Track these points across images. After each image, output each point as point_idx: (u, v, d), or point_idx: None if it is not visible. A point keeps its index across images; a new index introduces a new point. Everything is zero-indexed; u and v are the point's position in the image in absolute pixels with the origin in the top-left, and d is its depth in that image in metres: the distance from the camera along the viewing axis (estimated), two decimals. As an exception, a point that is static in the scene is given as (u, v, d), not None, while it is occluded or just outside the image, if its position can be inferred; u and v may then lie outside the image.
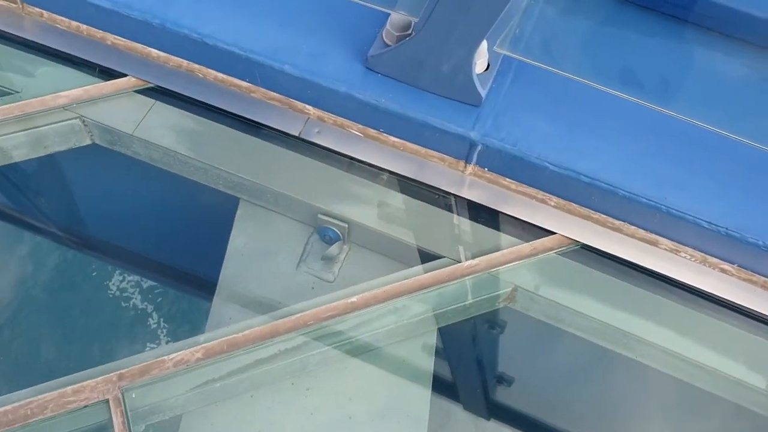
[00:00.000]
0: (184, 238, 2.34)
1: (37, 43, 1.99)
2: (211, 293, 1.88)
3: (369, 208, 1.83)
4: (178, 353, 1.56)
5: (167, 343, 2.41)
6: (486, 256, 1.74)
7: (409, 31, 1.77)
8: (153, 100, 1.93)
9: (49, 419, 1.50)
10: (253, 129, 1.92)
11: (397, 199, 1.84)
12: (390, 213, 1.83)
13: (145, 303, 2.44)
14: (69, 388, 1.51)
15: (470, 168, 1.81)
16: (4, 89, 1.92)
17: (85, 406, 1.50)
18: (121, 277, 2.51)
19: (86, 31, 1.97)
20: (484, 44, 1.72)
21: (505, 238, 1.80)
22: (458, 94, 1.75)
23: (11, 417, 1.48)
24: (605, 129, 1.77)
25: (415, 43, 1.70)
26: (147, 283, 2.39)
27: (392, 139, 1.84)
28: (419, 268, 1.76)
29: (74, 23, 1.98)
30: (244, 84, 1.91)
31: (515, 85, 1.81)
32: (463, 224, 1.82)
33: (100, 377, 1.53)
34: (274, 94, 1.90)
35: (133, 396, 1.52)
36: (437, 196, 1.85)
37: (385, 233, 1.81)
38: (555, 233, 1.79)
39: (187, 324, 2.33)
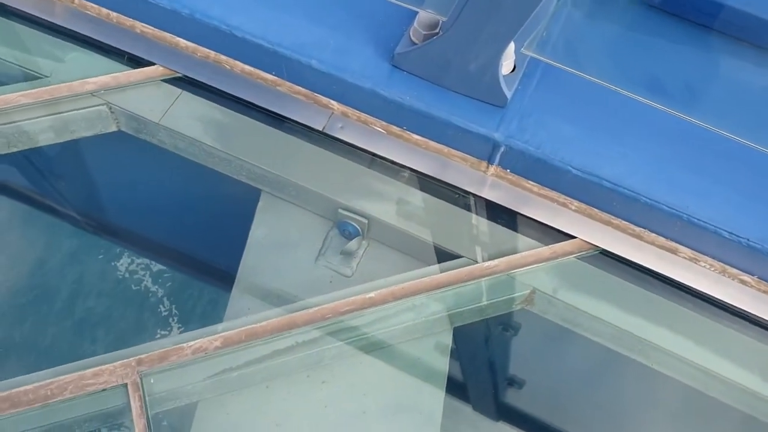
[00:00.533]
0: (204, 227, 2.36)
1: (67, 28, 2.01)
2: (230, 283, 1.89)
3: (389, 204, 1.84)
4: (197, 341, 1.57)
5: (179, 330, 2.43)
6: (505, 257, 1.75)
7: (437, 30, 1.77)
8: (180, 90, 1.94)
9: (68, 400, 1.51)
10: (277, 122, 1.93)
11: (418, 197, 1.85)
12: (410, 211, 1.84)
13: (161, 289, 2.46)
14: (88, 371, 1.53)
15: (492, 169, 1.82)
16: (34, 73, 1.95)
17: (104, 389, 1.52)
18: (136, 263, 2.53)
19: (116, 18, 1.99)
20: (512, 46, 1.72)
21: (524, 240, 1.81)
22: (484, 94, 1.75)
23: (31, 397, 1.50)
24: (629, 135, 1.77)
25: (442, 43, 1.70)
26: (167, 272, 2.40)
27: (415, 137, 1.85)
28: (438, 266, 1.77)
29: (104, 10, 1.99)
30: (270, 77, 1.92)
31: (541, 88, 1.81)
32: (484, 225, 1.82)
33: (119, 361, 1.55)
34: (300, 88, 1.91)
35: (151, 381, 1.54)
36: (458, 196, 1.85)
37: (404, 230, 1.82)
38: (575, 237, 1.79)
39: (202, 312, 2.34)
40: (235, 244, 1.95)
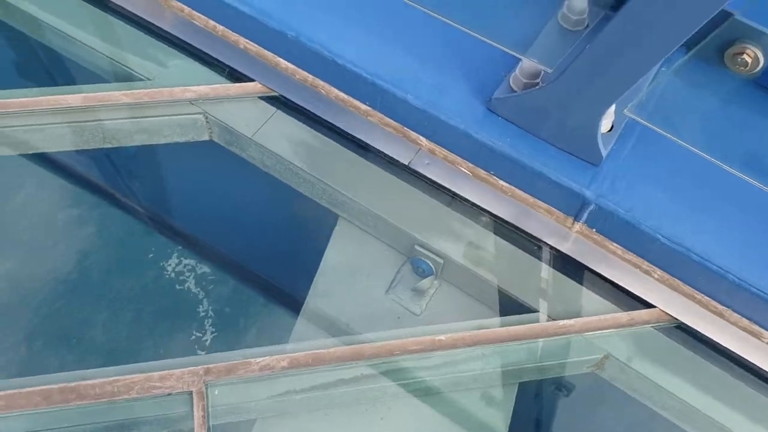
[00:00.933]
0: (278, 245, 2.38)
1: (174, 36, 2.07)
2: (292, 302, 1.89)
3: (467, 247, 1.82)
4: (265, 358, 1.57)
5: (210, 339, 2.43)
6: (581, 318, 1.71)
7: (537, 80, 1.77)
8: (274, 108, 1.98)
9: (132, 400, 1.52)
10: (364, 151, 1.94)
11: (497, 244, 1.83)
12: (487, 256, 1.82)
13: (221, 300, 2.48)
14: (156, 374, 1.54)
15: (578, 226, 1.79)
16: (138, 75, 2.00)
17: (169, 394, 1.52)
18: (202, 271, 2.56)
19: (222, 32, 2.04)
20: (613, 105, 1.70)
21: (601, 302, 1.77)
22: (579, 150, 1.73)
23: (98, 391, 1.52)
24: (723, 209, 1.73)
25: (543, 94, 1.69)
26: (230, 284, 2.42)
27: (501, 183, 1.84)
28: (511, 318, 1.74)
29: (211, 22, 2.05)
30: (363, 107, 1.94)
31: (636, 150, 1.78)
32: (561, 281, 1.79)
33: (187, 368, 1.55)
34: (391, 120, 1.92)
35: (216, 393, 1.54)
36: (538, 248, 1.82)
37: (479, 276, 1.80)
38: (655, 307, 1.74)
39: (263, 328, 2.35)
40: (306, 264, 1.96)
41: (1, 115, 1.92)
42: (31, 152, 2.04)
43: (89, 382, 1.53)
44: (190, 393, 1.52)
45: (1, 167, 2.64)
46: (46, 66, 2.29)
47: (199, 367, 1.56)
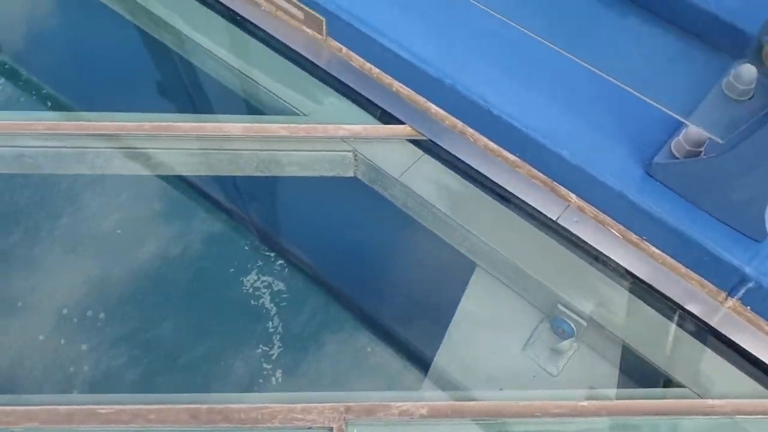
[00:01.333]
0: (409, 289, 2.38)
1: (330, 74, 2.14)
2: (422, 348, 1.89)
3: (610, 312, 1.78)
4: (405, 403, 1.57)
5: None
6: (733, 400, 1.63)
7: (701, 149, 1.72)
8: (422, 152, 2.00)
9: (274, 429, 1.56)
10: (508, 202, 1.94)
11: (642, 311, 1.78)
12: (631, 323, 1.77)
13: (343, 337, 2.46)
14: (299, 406, 1.57)
15: (731, 302, 1.72)
16: (294, 110, 2.08)
17: (310, 428, 1.54)
18: (322, 307, 2.55)
19: (377, 74, 2.10)
20: (784, 181, 1.63)
21: (752, 384, 1.68)
22: (742, 224, 1.67)
23: (243, 416, 1.56)
24: None
25: (711, 165, 1.64)
26: (352, 324, 2.42)
27: (653, 249, 1.79)
28: (654, 390, 1.68)
29: (368, 65, 2.11)
30: (511, 157, 1.94)
31: (803, 229, 1.70)
32: (709, 357, 1.71)
33: (329, 404, 1.58)
34: (539, 173, 1.91)
35: (355, 431, 1.55)
36: (685, 320, 1.76)
37: (621, 342, 1.75)
38: (813, 397, 1.64)
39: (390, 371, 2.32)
40: (433, 310, 1.95)
41: (166, 138, 2.04)
42: (187, 174, 2.14)
43: (236, 406, 1.58)
44: (330, 429, 1.54)
45: (149, 187, 2.73)
46: (208, 95, 2.41)
47: (340, 404, 1.58)
